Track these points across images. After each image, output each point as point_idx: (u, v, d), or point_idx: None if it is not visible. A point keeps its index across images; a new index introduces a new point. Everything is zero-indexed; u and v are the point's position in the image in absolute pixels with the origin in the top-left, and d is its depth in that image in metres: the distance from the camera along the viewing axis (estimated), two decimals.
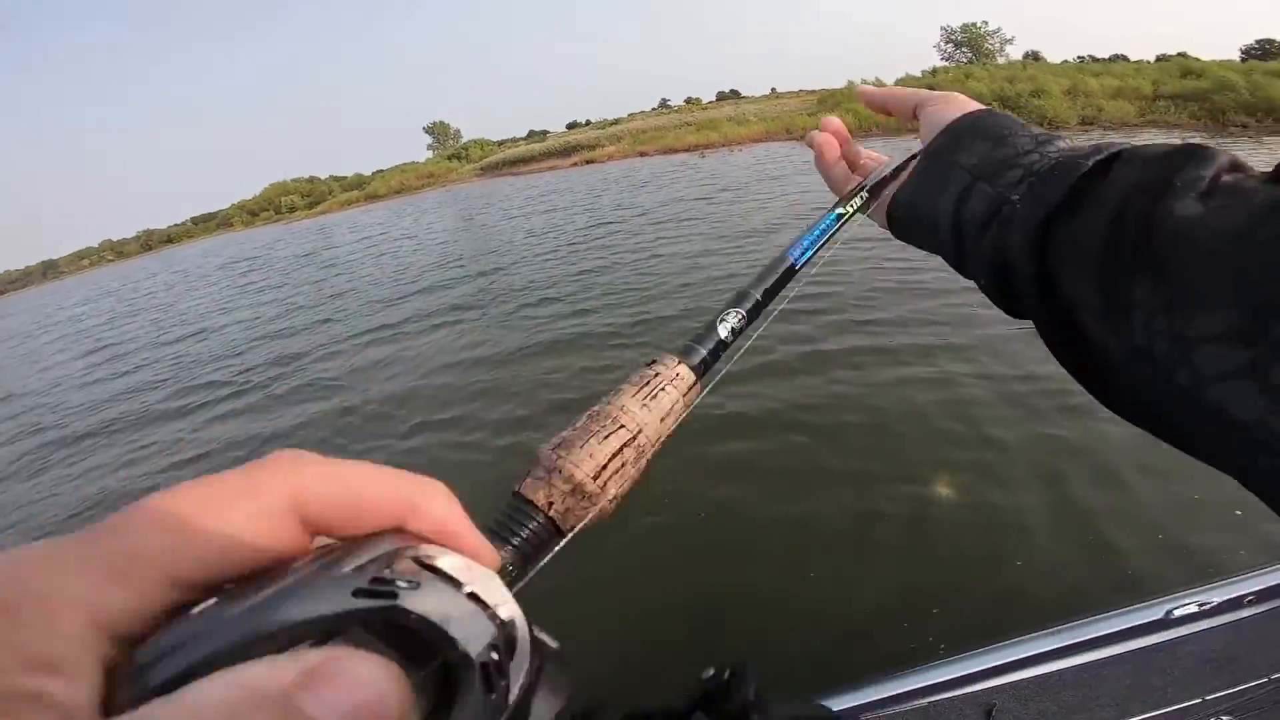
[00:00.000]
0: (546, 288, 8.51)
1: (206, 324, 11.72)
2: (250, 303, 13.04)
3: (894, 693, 1.59)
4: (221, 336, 10.22)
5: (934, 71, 32.21)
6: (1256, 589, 1.70)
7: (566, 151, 38.57)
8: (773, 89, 64.87)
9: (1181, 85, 19.59)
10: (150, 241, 64.87)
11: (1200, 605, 1.66)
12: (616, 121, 53.98)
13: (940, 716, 1.56)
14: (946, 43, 40.23)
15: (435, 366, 6.41)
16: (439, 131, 65.09)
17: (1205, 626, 1.69)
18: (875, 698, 1.59)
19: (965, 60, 37.59)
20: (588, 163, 33.82)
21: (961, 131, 0.42)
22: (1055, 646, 1.65)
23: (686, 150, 29.34)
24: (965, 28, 39.25)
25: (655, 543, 3.11)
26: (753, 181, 15.62)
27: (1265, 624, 1.68)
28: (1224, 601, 1.68)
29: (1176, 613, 1.65)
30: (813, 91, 45.09)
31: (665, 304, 6.94)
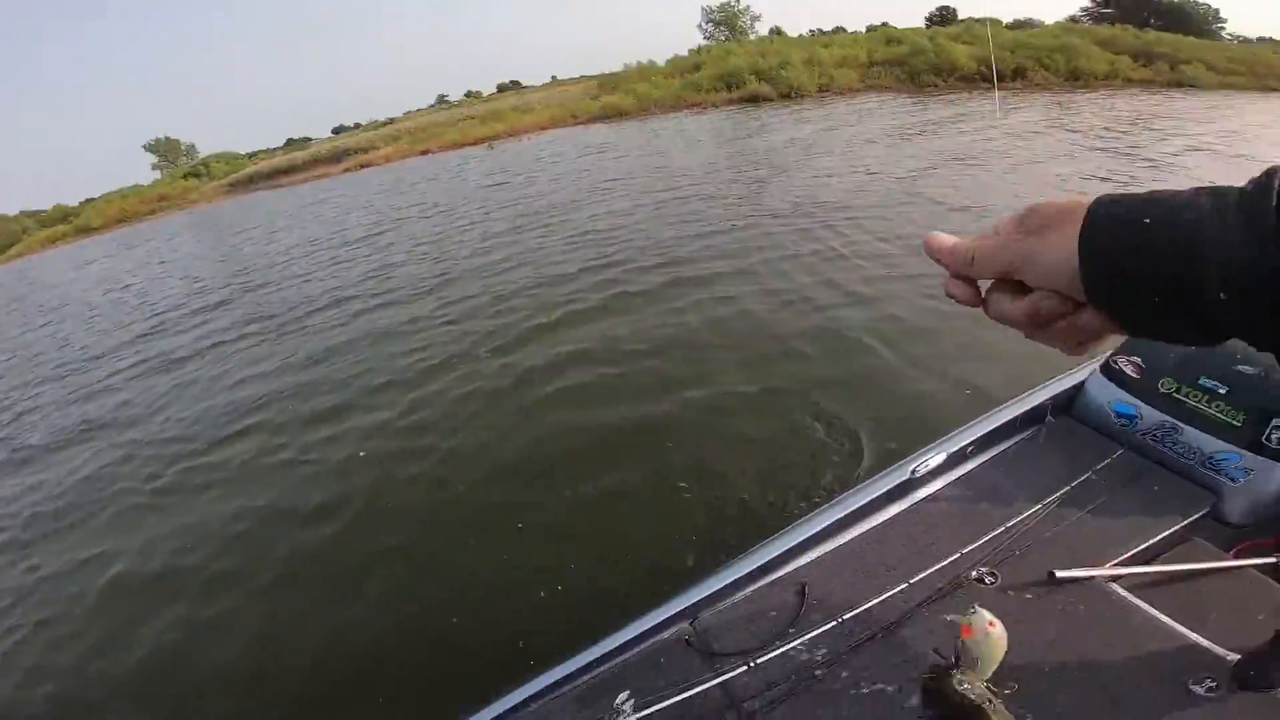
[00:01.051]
0: (344, 289, 7.96)
1: None
2: None
3: (722, 585, 1.80)
4: None
5: (699, 49, 35.03)
6: (973, 438, 2.13)
7: (336, 157, 35.40)
8: (553, 77, 65.54)
9: (888, 51, 23.60)
10: None
11: (934, 462, 2.04)
12: (391, 121, 50.63)
13: (765, 600, 1.80)
14: (707, 22, 43.87)
15: (227, 384, 5.75)
16: (166, 149, 55.59)
17: (945, 482, 2.09)
18: (706, 594, 1.77)
19: (724, 38, 41.41)
20: (362, 167, 31.39)
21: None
22: (843, 515, 1.95)
23: (474, 144, 28.61)
24: (722, 6, 43.11)
25: None
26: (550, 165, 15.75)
27: (989, 473, 2.10)
28: (951, 455, 2.09)
29: (920, 470, 2.03)
30: (592, 77, 46.38)
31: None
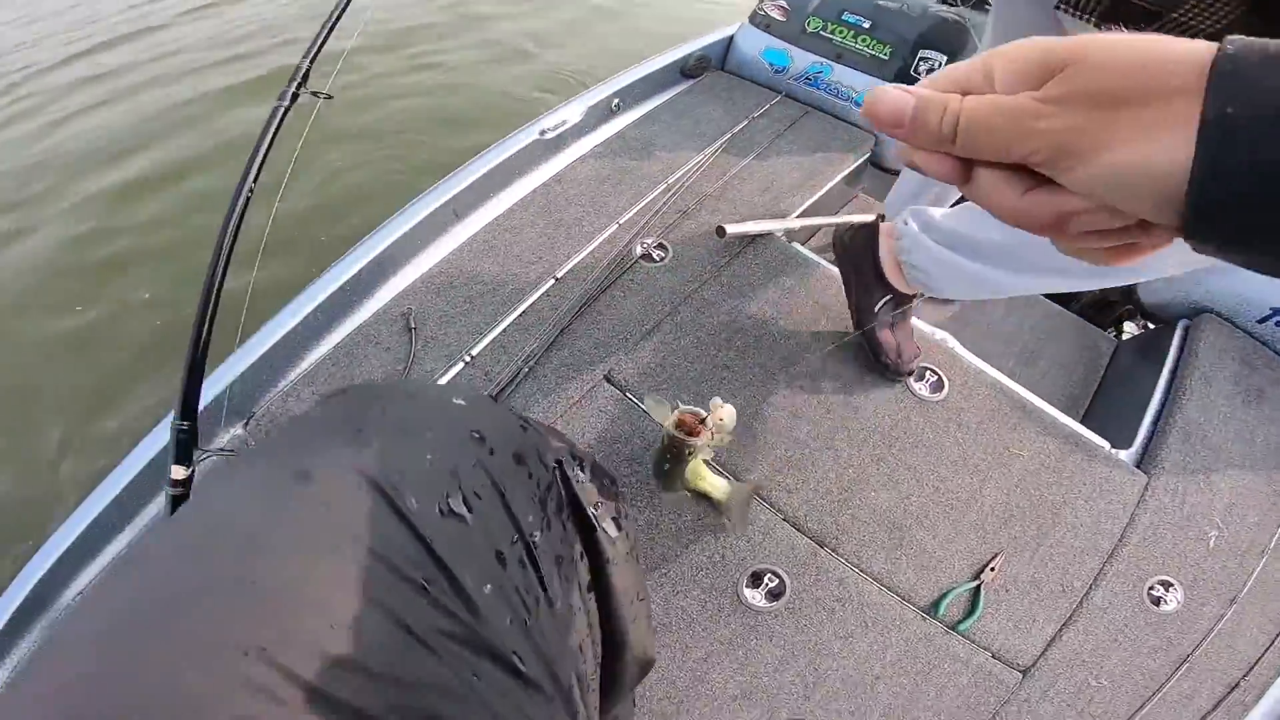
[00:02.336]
0: None
1: None
2: None
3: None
4: None
5: None
6: (615, 89, 1.74)
7: None
8: None
9: None
10: None
11: (572, 119, 1.63)
12: None
13: (357, 349, 1.23)
14: None
15: None
16: None
17: (589, 145, 1.67)
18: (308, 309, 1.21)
19: None
20: None
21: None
22: (438, 208, 1.40)
23: None
24: None
25: None
26: None
27: (640, 130, 1.72)
28: (591, 110, 1.68)
29: (550, 131, 1.58)
30: None
31: None
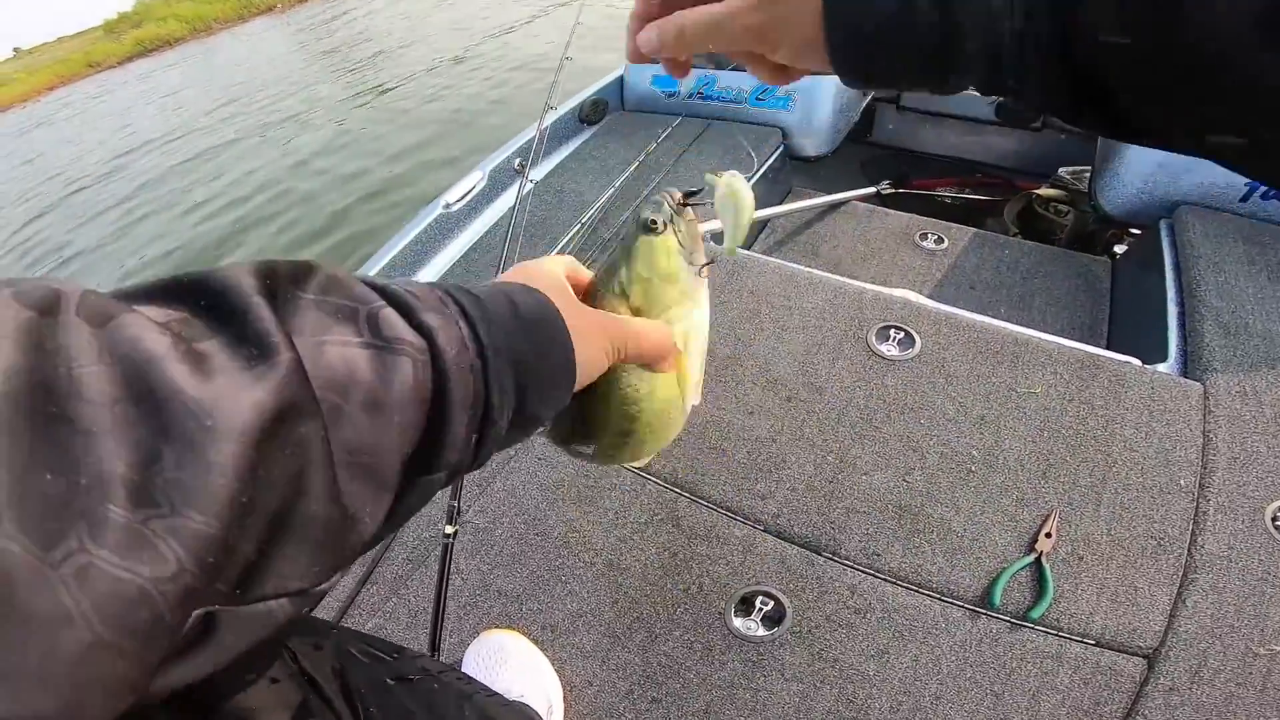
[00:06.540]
0: None
1: None
2: None
3: None
4: None
5: None
6: (513, 149, 1.76)
7: None
8: (14, 49, 47.05)
9: None
10: None
11: (473, 188, 1.67)
12: None
13: None
14: None
15: None
16: None
17: (499, 203, 1.68)
18: None
19: None
20: None
21: None
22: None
23: None
24: None
25: None
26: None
27: (550, 181, 1.73)
28: (493, 174, 1.70)
29: (454, 204, 1.59)
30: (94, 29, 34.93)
31: None
